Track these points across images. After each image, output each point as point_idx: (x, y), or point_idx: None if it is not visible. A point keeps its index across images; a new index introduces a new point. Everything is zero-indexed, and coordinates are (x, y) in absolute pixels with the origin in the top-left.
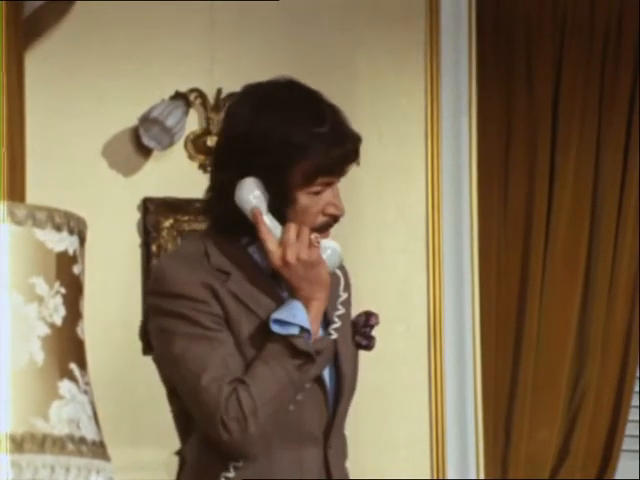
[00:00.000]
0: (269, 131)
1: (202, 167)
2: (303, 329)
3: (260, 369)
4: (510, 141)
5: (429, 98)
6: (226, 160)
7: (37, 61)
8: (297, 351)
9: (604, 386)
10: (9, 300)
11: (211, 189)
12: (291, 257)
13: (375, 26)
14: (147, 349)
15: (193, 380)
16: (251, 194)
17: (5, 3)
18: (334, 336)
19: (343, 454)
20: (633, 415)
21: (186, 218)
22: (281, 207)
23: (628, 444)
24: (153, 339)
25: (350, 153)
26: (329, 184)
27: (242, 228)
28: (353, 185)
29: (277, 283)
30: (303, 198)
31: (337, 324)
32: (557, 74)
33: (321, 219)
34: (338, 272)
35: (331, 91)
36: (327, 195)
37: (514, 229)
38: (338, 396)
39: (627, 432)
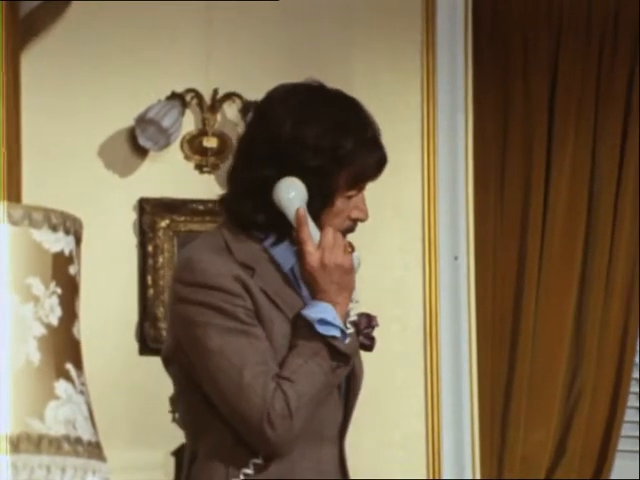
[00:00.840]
0: (320, 135)
1: (198, 167)
2: (342, 331)
3: (300, 368)
4: (506, 139)
5: (425, 96)
6: (262, 159)
7: (33, 61)
8: (337, 353)
9: (600, 386)
10: (5, 300)
11: (238, 186)
12: (329, 260)
13: (371, 25)
14: (143, 349)
15: (234, 375)
16: (293, 194)
17: (2, 3)
18: (349, 328)
19: None
20: (632, 416)
21: (182, 218)
22: (319, 209)
23: (627, 445)
24: (178, 331)
25: (385, 159)
26: (362, 189)
27: (270, 227)
28: None
29: (296, 283)
30: (339, 202)
31: (350, 329)
32: (553, 71)
33: (347, 223)
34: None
35: None
36: (356, 199)
37: (510, 228)
38: (348, 395)
39: (625, 433)
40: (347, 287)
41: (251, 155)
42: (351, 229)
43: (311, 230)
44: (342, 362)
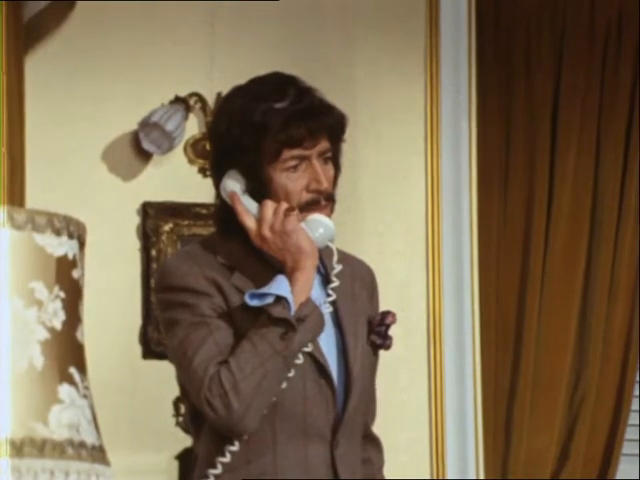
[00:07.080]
0: (231, 116)
1: (202, 171)
2: (279, 298)
3: (243, 345)
4: (510, 143)
5: (429, 100)
6: (215, 162)
7: (37, 65)
8: (275, 320)
9: (604, 390)
10: (9, 304)
11: (215, 195)
12: (265, 230)
13: (375, 28)
14: (147, 353)
15: (187, 363)
16: (228, 183)
17: (6, 7)
18: (327, 307)
19: (358, 455)
20: (633, 419)
21: (186, 222)
22: (258, 188)
23: (628, 448)
24: (164, 334)
25: (316, 126)
26: (303, 159)
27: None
28: (352, 187)
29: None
30: (279, 176)
31: (332, 296)
32: (557, 75)
33: (306, 196)
34: (331, 246)
35: (330, 93)
36: (308, 171)
37: (514, 232)
38: (347, 393)
39: (627, 436)
40: (299, 250)
41: (211, 161)
42: (316, 201)
43: (251, 209)
44: (287, 328)
